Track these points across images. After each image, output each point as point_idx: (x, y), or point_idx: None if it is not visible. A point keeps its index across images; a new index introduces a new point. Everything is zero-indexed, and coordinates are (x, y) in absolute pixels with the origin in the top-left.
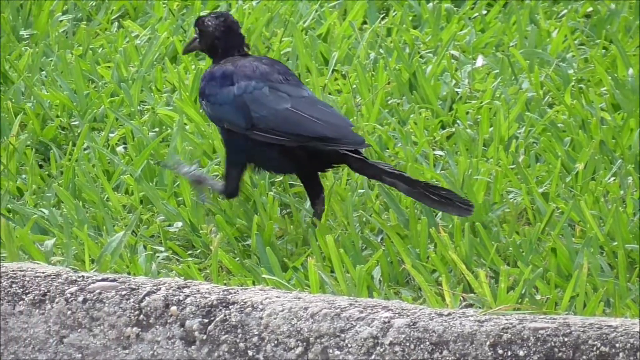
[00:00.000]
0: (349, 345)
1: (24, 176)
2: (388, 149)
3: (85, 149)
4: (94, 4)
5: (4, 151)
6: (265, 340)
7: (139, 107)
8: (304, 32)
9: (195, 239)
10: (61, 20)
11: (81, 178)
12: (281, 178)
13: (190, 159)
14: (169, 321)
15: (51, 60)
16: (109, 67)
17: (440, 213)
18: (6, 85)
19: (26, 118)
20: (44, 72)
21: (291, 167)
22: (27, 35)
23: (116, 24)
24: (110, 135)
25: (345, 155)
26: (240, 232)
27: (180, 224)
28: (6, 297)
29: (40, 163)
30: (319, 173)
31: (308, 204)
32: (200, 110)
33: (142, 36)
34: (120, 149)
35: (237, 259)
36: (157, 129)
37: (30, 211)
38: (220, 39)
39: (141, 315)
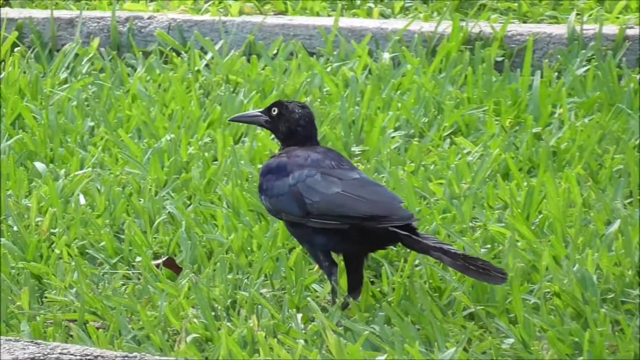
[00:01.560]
0: None
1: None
2: None
3: (416, 266)
4: (425, 120)
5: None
6: None
7: (470, 224)
8: (637, 150)
9: (526, 356)
10: (393, 137)
11: (412, 295)
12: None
13: (522, 275)
14: None
15: (383, 176)
16: (440, 183)
17: None
18: None
19: None
20: None
21: (348, 248)
22: (358, 151)
23: (448, 140)
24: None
25: (395, 232)
26: (572, 348)
27: (511, 340)
28: None
29: (372, 280)
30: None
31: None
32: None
33: (474, 152)
34: None
35: None
36: (488, 246)
37: (362, 328)
38: (303, 127)
39: None
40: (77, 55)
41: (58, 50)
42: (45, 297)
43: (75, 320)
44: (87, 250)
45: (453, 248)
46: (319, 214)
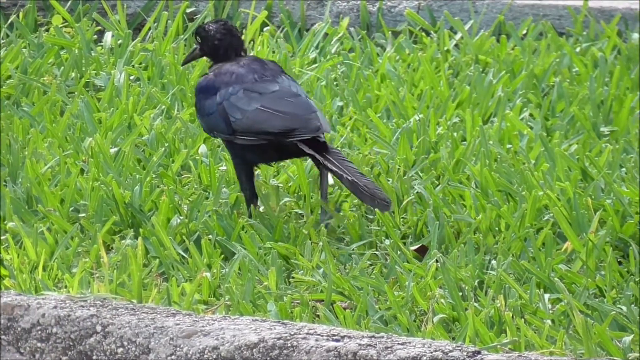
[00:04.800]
0: None
1: (602, 272)
2: None
3: None
4: None
5: (582, 247)
6: None
7: None
8: None
9: None
10: None
11: None
12: None
13: None
14: None
15: (631, 156)
16: None
17: None
18: (585, 181)
19: (605, 214)
20: (623, 169)
21: (277, 158)
22: (607, 131)
23: None
24: None
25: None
26: None
27: None
28: None
29: (619, 260)
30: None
31: None
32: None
33: None
34: None
35: None
36: None
37: (609, 308)
38: (221, 40)
39: None
40: (326, 34)
41: (307, 30)
42: (293, 277)
43: (322, 301)
44: (334, 230)
45: (351, 169)
46: (242, 131)
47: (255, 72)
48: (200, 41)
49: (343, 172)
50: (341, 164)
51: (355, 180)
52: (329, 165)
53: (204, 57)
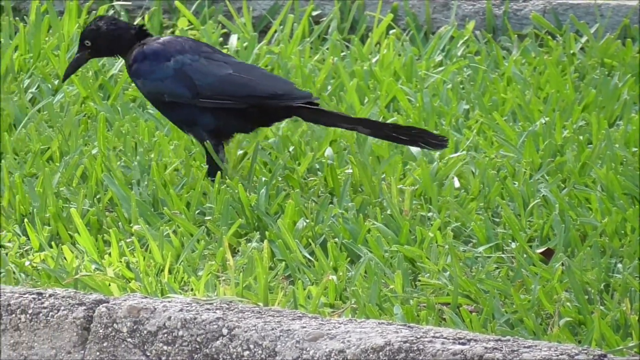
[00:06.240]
0: None
1: None
2: None
3: None
4: None
5: None
6: None
7: None
8: None
9: None
10: None
11: None
12: None
13: None
14: None
15: None
16: None
17: None
18: None
19: None
20: None
21: (241, 127)
22: None
23: None
24: None
25: (300, 107)
26: None
27: None
28: None
29: None
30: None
31: None
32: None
33: None
34: None
35: None
36: None
37: None
38: (121, 30)
39: None
40: (452, 37)
41: (433, 33)
42: (419, 281)
43: (448, 304)
44: (460, 233)
45: (378, 121)
46: (212, 95)
47: (205, 46)
48: (91, 43)
49: (369, 122)
50: (359, 118)
51: (395, 130)
52: (344, 124)
53: (94, 59)
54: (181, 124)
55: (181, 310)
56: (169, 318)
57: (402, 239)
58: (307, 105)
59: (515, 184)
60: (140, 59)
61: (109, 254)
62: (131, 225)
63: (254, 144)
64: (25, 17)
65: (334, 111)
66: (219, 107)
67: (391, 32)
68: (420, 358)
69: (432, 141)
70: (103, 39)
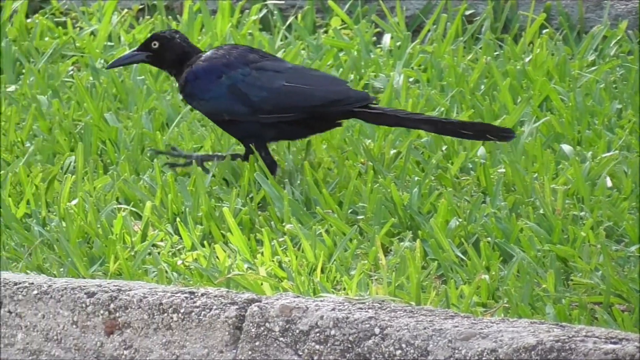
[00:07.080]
0: None
1: None
2: None
3: None
4: None
5: None
6: None
7: None
8: None
9: None
10: None
11: None
12: None
13: None
14: None
15: None
16: None
17: None
18: None
19: None
20: None
21: (302, 134)
22: None
23: None
24: None
25: (352, 111)
26: None
27: None
28: None
29: None
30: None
31: None
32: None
33: None
34: None
35: None
36: None
37: None
38: (188, 44)
39: None
40: (604, 37)
41: (586, 32)
42: (571, 280)
43: (600, 303)
44: (612, 233)
45: (443, 118)
46: (271, 110)
47: (252, 53)
48: (157, 49)
49: (433, 121)
50: (425, 116)
51: (461, 127)
52: (407, 124)
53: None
54: (248, 140)
55: (333, 309)
56: (321, 317)
57: (555, 239)
58: (366, 109)
59: None
60: (191, 79)
61: (262, 253)
62: (283, 224)
63: (406, 143)
64: (178, 16)
65: (394, 110)
66: (281, 120)
67: (544, 31)
68: (572, 357)
69: (498, 134)
70: (172, 49)
